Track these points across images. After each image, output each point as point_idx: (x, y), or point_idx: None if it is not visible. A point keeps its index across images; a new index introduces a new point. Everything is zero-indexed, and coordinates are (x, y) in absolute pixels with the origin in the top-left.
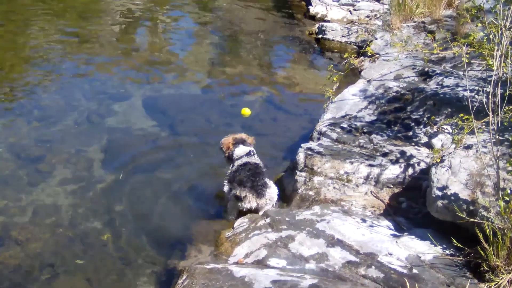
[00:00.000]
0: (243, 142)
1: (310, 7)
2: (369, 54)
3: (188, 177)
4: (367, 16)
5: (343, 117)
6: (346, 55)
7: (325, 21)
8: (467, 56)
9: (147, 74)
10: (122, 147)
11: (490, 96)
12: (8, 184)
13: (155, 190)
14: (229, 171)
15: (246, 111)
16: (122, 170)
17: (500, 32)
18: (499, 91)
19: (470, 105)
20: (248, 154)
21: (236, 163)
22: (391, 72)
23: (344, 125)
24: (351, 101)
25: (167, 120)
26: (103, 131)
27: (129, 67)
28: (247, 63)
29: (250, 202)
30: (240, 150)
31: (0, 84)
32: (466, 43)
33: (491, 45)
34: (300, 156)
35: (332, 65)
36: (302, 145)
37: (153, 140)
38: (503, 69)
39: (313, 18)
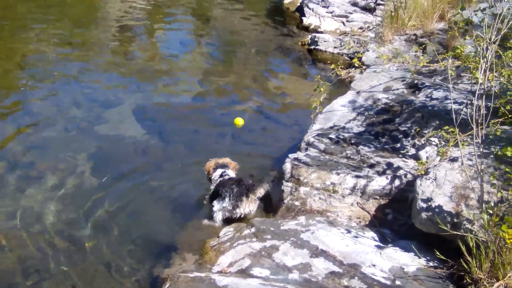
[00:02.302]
0: (223, 167)
1: (303, 18)
2: (356, 65)
3: (175, 186)
4: (360, 28)
5: (331, 128)
6: (332, 66)
7: (318, 32)
8: (456, 69)
9: (138, 82)
10: (111, 154)
11: (475, 109)
12: None
13: (142, 198)
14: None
15: (239, 121)
16: (109, 176)
17: (485, 45)
18: (483, 104)
19: (455, 118)
20: (221, 175)
21: (212, 185)
22: (380, 84)
23: (332, 136)
24: (340, 112)
25: (157, 128)
26: (92, 138)
27: (122, 74)
28: (239, 73)
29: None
30: (216, 173)
31: None
32: (452, 56)
33: (477, 58)
34: (287, 166)
35: (319, 76)
36: (289, 155)
37: (142, 149)
38: (490, 82)
39: (306, 29)
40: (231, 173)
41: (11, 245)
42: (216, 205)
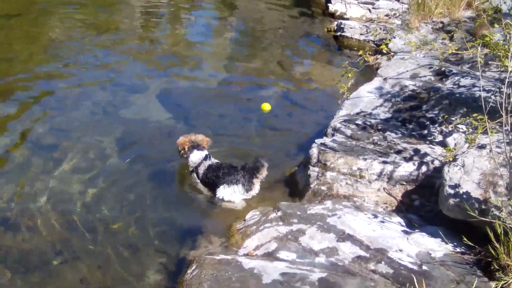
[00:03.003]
0: (198, 147)
1: (329, 4)
2: (384, 52)
3: None
4: (387, 15)
5: (358, 114)
6: (360, 52)
7: (344, 19)
8: (484, 57)
9: (164, 67)
10: (136, 138)
11: (504, 97)
12: (23, 171)
13: (168, 181)
14: (195, 174)
15: (266, 106)
16: (132, 158)
17: None
18: None
19: (484, 105)
20: (206, 158)
21: (201, 168)
22: (407, 71)
23: (359, 122)
24: (366, 98)
25: (182, 113)
26: (118, 122)
27: (147, 59)
28: (265, 58)
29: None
30: (196, 156)
31: (18, 72)
32: (481, 44)
33: (506, 46)
34: (314, 151)
35: (347, 62)
36: (316, 140)
37: (167, 132)
38: None
39: (332, 15)
40: (206, 152)
41: (37, 226)
42: (228, 189)
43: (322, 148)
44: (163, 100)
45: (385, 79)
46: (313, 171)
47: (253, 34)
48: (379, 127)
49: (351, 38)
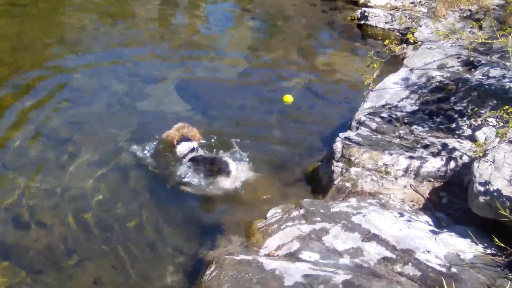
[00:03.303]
0: (188, 140)
1: None
2: (411, 41)
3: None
4: (412, 3)
5: (383, 106)
6: (386, 41)
7: (368, 6)
8: None
9: (182, 57)
10: (154, 131)
11: None
12: (36, 166)
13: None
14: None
15: (288, 98)
16: (152, 154)
17: None
18: None
19: None
20: (192, 150)
21: (186, 159)
22: (434, 61)
23: (384, 114)
24: (392, 90)
25: (201, 104)
26: (135, 114)
27: (165, 49)
28: (286, 48)
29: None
30: (183, 147)
31: (32, 63)
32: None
33: None
34: (338, 146)
35: (372, 52)
36: (339, 134)
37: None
38: None
39: (355, 3)
40: (194, 145)
41: (51, 223)
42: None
43: (346, 142)
44: (181, 91)
45: (411, 69)
46: (337, 166)
47: (274, 23)
48: (405, 120)
49: (376, 26)
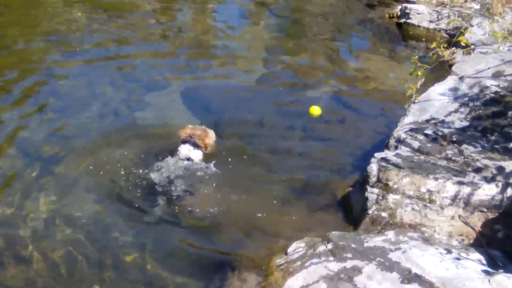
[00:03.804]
0: (194, 145)
1: None
2: (462, 44)
3: (235, 189)
4: None
5: (427, 121)
6: (433, 44)
7: (409, 2)
8: None
9: (189, 60)
10: (155, 148)
11: None
12: (14, 188)
13: (191, 201)
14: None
15: (315, 110)
16: (150, 173)
17: None
18: None
19: None
20: (188, 159)
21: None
22: (489, 68)
23: (429, 131)
24: (438, 102)
25: (211, 117)
26: (132, 127)
27: (169, 50)
28: (311, 50)
29: None
30: (183, 150)
31: (10, 64)
32: None
33: None
34: (373, 168)
35: (416, 57)
36: (375, 154)
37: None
38: None
39: None
40: (196, 155)
41: (31, 257)
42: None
43: (383, 164)
44: (187, 100)
45: (461, 78)
46: (372, 192)
47: (297, 21)
48: (454, 139)
49: (418, 26)
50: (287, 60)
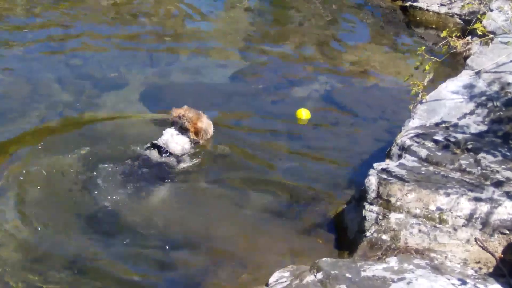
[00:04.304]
0: (181, 129)
1: None
2: (479, 32)
3: (205, 205)
4: None
5: (437, 125)
6: (444, 33)
7: None
8: None
9: (150, 52)
10: (112, 158)
11: None
12: None
13: (159, 223)
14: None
15: (302, 114)
16: (110, 190)
17: None
18: None
19: None
20: (165, 151)
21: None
22: (511, 61)
23: (439, 137)
24: (450, 101)
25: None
26: (83, 134)
27: (127, 40)
28: (299, 40)
29: None
30: (165, 135)
31: None
32: None
33: None
34: (371, 182)
35: (424, 48)
36: (374, 165)
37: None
38: None
39: None
40: (179, 144)
41: None
42: None
43: (384, 176)
44: (149, 101)
45: (477, 72)
46: (371, 211)
47: (282, 4)
48: (469, 146)
49: (427, 10)
50: (269, 52)
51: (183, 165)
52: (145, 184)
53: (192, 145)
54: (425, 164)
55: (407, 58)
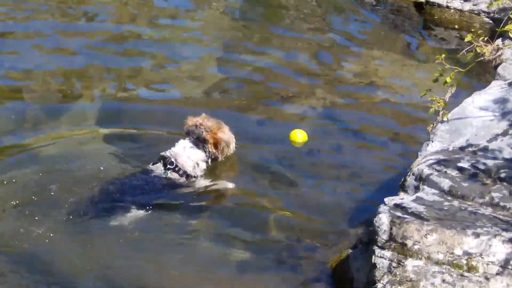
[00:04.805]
0: (199, 138)
1: None
2: (511, 35)
3: (177, 252)
4: None
5: (462, 149)
6: (469, 37)
7: None
8: None
9: (106, 57)
10: (52, 195)
11: None
12: None
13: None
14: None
15: (297, 136)
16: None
17: None
18: None
19: None
20: (171, 164)
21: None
22: None
23: (465, 163)
24: (477, 120)
25: (140, 151)
26: (17, 163)
27: (76, 44)
28: (290, 45)
29: None
30: (177, 148)
31: None
32: None
33: None
34: (382, 221)
35: (444, 55)
36: (385, 199)
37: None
38: None
39: None
40: (192, 159)
41: None
42: None
43: (398, 213)
44: (104, 120)
45: (511, 84)
46: (382, 257)
47: (269, 2)
48: (502, 174)
49: (447, 7)
50: (254, 60)
51: (188, 188)
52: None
53: (208, 164)
54: (449, 198)
55: (423, 67)
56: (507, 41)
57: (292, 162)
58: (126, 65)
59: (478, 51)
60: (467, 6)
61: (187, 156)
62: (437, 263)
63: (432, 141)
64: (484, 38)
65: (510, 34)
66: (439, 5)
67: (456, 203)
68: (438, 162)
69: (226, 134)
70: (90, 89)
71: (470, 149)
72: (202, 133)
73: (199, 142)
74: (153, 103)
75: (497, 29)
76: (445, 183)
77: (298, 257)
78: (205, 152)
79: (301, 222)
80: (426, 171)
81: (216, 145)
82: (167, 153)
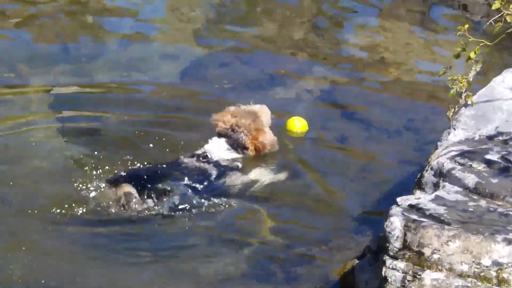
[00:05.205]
0: (237, 143)
1: None
2: None
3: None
4: None
5: (490, 138)
6: (497, 3)
7: None
8: None
9: (63, 41)
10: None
11: None
12: None
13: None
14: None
15: (295, 125)
16: None
17: None
18: None
19: None
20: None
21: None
22: None
23: (494, 155)
24: (509, 103)
25: (112, 144)
26: None
27: (26, 24)
28: (283, 17)
29: None
30: (212, 146)
31: None
32: None
33: None
34: (395, 225)
35: (467, 26)
36: (398, 199)
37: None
38: None
39: None
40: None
41: None
42: None
43: (413, 216)
44: (59, 109)
45: None
46: (394, 268)
47: None
48: None
49: None
50: (240, 34)
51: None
52: None
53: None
54: (474, 197)
55: (442, 40)
56: None
57: (288, 157)
58: (84, 45)
59: (509, 20)
60: None
61: (222, 158)
62: (461, 275)
63: (454, 129)
64: None
65: None
66: None
67: (483, 203)
68: (462, 154)
69: (268, 138)
70: (42, 74)
71: (500, 138)
72: (241, 138)
73: (238, 146)
74: (115, 89)
75: None
76: (470, 179)
77: (299, 269)
78: (243, 154)
79: (300, 228)
80: (447, 165)
81: (257, 150)
82: (200, 151)
